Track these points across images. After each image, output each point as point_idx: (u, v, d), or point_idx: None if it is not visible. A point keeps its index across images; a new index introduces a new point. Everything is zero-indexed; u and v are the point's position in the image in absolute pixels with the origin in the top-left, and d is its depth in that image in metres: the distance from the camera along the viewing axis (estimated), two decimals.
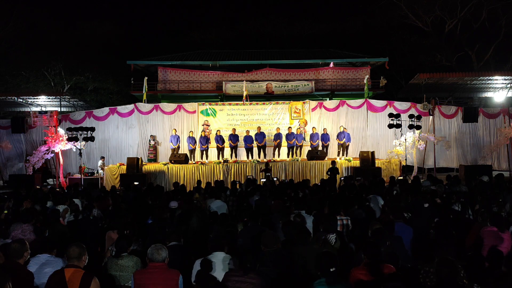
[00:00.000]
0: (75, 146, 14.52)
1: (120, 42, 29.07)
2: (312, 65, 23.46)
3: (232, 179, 13.62)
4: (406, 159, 14.71)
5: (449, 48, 27.32)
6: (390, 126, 14.48)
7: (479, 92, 20.15)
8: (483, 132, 16.69)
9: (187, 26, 33.38)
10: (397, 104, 16.95)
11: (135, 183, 11.82)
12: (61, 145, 14.99)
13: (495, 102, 19.50)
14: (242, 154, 16.34)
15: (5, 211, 7.46)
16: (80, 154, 14.42)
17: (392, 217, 5.77)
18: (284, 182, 11.35)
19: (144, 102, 17.51)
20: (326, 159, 14.89)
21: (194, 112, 17.31)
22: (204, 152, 15.84)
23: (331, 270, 3.63)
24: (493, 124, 16.62)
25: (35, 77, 24.64)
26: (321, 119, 17.29)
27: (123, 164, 14.46)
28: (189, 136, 15.90)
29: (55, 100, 19.43)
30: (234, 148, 16.03)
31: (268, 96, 21.35)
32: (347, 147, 16.00)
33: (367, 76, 20.76)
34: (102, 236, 6.06)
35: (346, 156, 15.68)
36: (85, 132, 14.32)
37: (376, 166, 14.22)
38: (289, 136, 15.92)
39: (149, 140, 16.67)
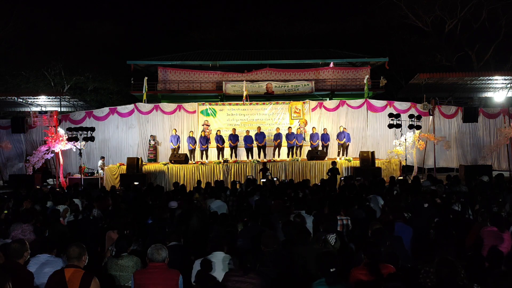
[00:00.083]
0: (75, 146, 14.52)
1: (120, 42, 29.05)
2: (312, 65, 23.45)
3: (232, 179, 13.61)
4: (406, 159, 14.72)
5: (449, 48, 27.31)
6: (390, 126, 14.48)
7: (479, 92, 20.14)
8: (483, 132, 16.69)
9: (187, 26, 33.43)
10: (397, 104, 16.95)
11: (135, 183, 11.81)
12: (61, 145, 14.99)
13: (495, 102, 19.50)
14: (242, 154, 16.34)
15: (5, 211, 7.45)
16: (80, 154, 14.43)
17: (392, 217, 5.78)
18: (284, 182, 11.34)
19: (144, 102, 17.51)
20: (326, 159, 14.89)
21: (194, 112, 17.31)
22: (204, 152, 15.83)
23: (331, 270, 3.62)
24: (493, 124, 16.62)
25: (35, 77, 24.63)
26: (321, 119, 17.29)
27: (123, 164, 14.46)
28: (189, 136, 15.90)
29: (55, 100, 19.43)
30: (234, 148, 16.02)
31: (268, 96, 21.34)
32: (347, 147, 16.00)
33: (367, 76, 20.75)
34: (102, 236, 6.06)
35: (346, 156, 15.68)
36: (85, 132, 14.32)
37: (376, 166, 14.22)
38: (289, 136, 15.92)
39: (149, 140, 16.66)
